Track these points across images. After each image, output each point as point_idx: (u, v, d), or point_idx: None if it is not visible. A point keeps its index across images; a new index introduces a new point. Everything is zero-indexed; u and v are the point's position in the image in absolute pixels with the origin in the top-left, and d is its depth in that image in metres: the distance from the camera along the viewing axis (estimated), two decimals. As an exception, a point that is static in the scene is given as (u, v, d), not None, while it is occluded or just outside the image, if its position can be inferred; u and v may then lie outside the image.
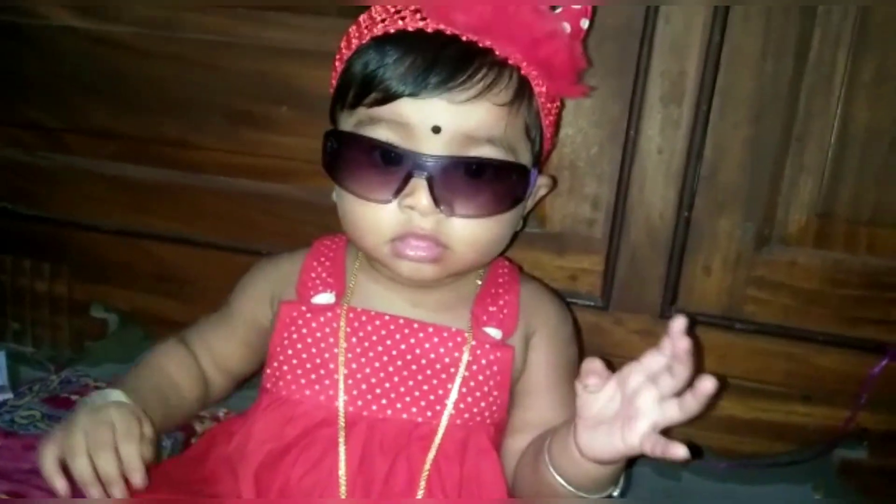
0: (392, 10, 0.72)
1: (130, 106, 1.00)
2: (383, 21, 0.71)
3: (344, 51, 0.75)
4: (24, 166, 1.06)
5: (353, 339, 0.75)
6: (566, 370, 0.80)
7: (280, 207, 0.98)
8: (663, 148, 0.87)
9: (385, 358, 0.75)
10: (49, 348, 1.11)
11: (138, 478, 0.66)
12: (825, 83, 0.83)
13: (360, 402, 0.74)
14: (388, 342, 0.75)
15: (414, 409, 0.74)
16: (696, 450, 0.61)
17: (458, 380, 0.74)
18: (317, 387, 0.74)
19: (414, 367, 0.75)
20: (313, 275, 0.79)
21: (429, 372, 0.75)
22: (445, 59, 0.69)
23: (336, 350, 0.75)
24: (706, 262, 0.89)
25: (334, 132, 0.75)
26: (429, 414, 0.74)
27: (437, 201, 0.70)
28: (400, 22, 0.71)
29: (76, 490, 0.66)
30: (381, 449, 0.72)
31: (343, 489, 0.70)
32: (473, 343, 0.75)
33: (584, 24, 0.75)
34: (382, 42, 0.71)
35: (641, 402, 0.62)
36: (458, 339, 0.76)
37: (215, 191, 1.00)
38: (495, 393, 0.76)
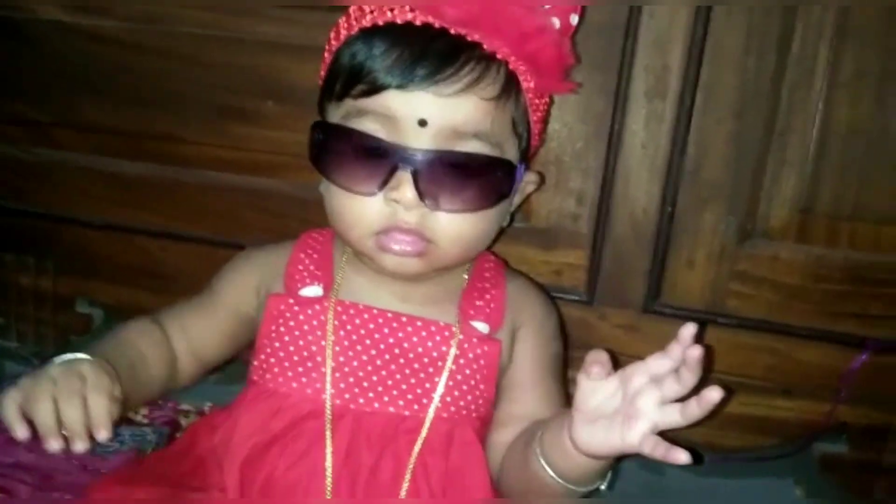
0: (381, 1, 0.71)
1: (117, 100, 1.00)
2: (372, 13, 0.71)
3: (333, 42, 0.75)
4: (10, 160, 1.05)
5: (341, 333, 0.75)
6: (551, 364, 0.81)
7: (268, 202, 0.98)
8: (647, 143, 0.88)
9: (373, 351, 0.75)
10: (33, 343, 1.10)
11: (104, 434, 0.63)
12: (807, 79, 0.84)
13: (347, 396, 0.74)
14: (376, 336, 0.75)
15: (401, 403, 0.74)
16: (697, 455, 0.60)
17: (445, 373, 0.75)
18: (304, 379, 0.74)
19: (401, 360, 0.75)
20: (300, 267, 0.79)
21: (416, 366, 0.75)
22: (433, 52, 0.69)
23: (323, 343, 0.75)
24: (690, 257, 0.90)
25: (321, 124, 0.75)
26: (415, 407, 0.74)
27: (422, 195, 0.70)
28: (389, 14, 0.70)
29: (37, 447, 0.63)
30: (368, 442, 0.72)
31: (329, 482, 0.70)
32: (461, 337, 0.76)
33: (574, 20, 0.75)
34: (371, 34, 0.71)
35: (643, 402, 0.61)
36: (446, 333, 0.76)
37: (202, 185, 1.00)
38: (482, 387, 0.76)
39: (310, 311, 0.76)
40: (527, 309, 0.81)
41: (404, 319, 0.76)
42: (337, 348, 0.75)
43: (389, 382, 0.74)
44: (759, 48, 0.84)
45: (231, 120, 0.97)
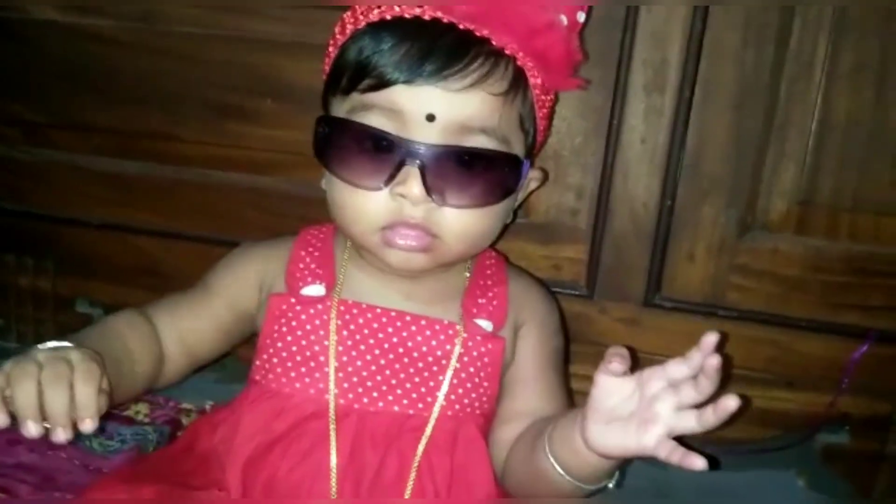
0: None
1: (114, 99, 0.99)
2: (379, 6, 0.71)
3: (338, 36, 0.74)
4: (8, 161, 1.05)
5: (344, 332, 0.75)
6: (553, 360, 0.81)
7: (267, 200, 0.98)
8: (646, 137, 0.88)
9: (376, 350, 0.75)
10: (33, 344, 1.08)
11: (89, 425, 0.60)
12: (806, 72, 0.84)
13: (350, 395, 0.74)
14: (380, 335, 0.75)
15: (405, 402, 0.74)
16: (713, 460, 0.60)
17: (450, 372, 0.75)
18: (307, 379, 0.74)
19: (406, 359, 0.75)
20: (302, 265, 0.79)
21: (420, 364, 0.75)
22: (441, 47, 0.68)
23: (326, 343, 0.75)
24: (690, 250, 0.90)
25: (326, 117, 0.75)
26: (420, 406, 0.74)
27: (428, 190, 0.69)
28: (396, 8, 0.70)
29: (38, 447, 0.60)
30: (372, 441, 0.72)
31: (333, 481, 0.70)
32: (465, 335, 0.76)
33: (581, 17, 0.75)
34: (378, 28, 0.70)
35: (660, 407, 0.61)
36: (451, 331, 0.76)
37: (201, 184, 1.00)
38: (486, 384, 0.76)
39: (312, 311, 0.76)
40: (529, 305, 0.81)
41: (408, 318, 0.76)
42: (340, 348, 0.74)
43: (393, 381, 0.74)
44: (757, 41, 0.84)
45: (230, 118, 0.96)
